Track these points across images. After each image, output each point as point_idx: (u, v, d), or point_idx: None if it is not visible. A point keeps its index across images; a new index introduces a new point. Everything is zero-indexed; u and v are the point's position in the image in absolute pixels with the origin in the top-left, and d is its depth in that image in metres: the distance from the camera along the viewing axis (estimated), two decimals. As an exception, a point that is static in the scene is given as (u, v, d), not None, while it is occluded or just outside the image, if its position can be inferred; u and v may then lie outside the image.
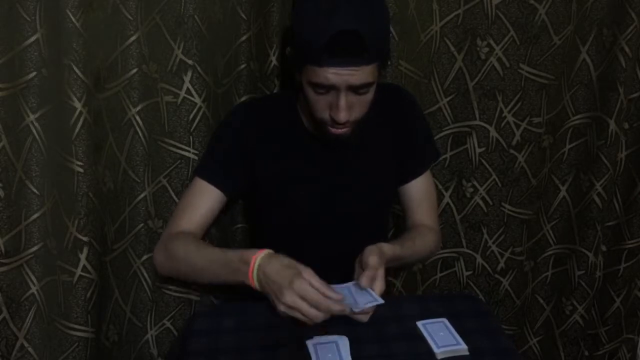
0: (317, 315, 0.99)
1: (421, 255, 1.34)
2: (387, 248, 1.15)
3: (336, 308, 1.00)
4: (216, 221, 1.31)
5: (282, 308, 1.01)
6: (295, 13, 1.12)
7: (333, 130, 1.16)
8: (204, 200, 1.23)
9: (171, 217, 1.26)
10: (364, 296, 1.06)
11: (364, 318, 1.09)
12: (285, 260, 1.05)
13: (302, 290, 0.99)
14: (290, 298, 0.99)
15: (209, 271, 1.15)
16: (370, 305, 1.04)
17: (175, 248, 1.19)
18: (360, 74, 1.07)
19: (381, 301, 1.04)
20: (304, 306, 0.99)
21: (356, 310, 1.04)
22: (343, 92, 1.09)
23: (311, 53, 1.06)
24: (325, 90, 1.10)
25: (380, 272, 1.08)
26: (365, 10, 1.05)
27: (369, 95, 1.13)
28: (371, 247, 1.12)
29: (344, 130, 1.16)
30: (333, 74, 1.06)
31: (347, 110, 1.10)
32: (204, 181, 1.23)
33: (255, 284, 1.06)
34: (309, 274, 1.02)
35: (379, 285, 1.07)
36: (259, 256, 1.07)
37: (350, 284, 1.10)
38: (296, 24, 1.10)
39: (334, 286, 1.07)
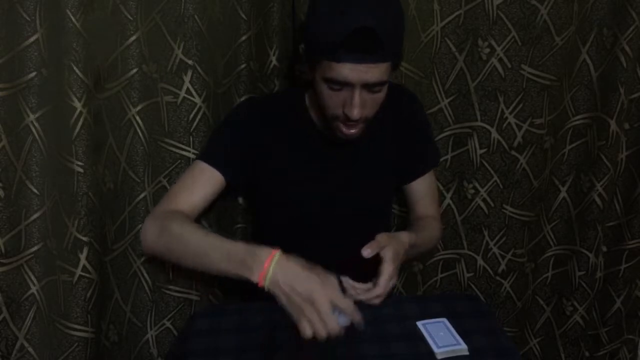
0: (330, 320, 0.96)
1: (429, 245, 1.37)
2: (405, 236, 1.18)
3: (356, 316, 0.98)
4: (216, 221, 1.31)
5: (310, 315, 0.96)
6: (312, 8, 1.13)
7: (344, 129, 1.17)
8: (203, 182, 1.23)
9: (166, 195, 1.24)
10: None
11: (375, 300, 1.10)
12: (304, 267, 1.01)
13: (331, 296, 0.96)
14: (320, 306, 0.95)
15: (206, 257, 1.10)
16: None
17: (172, 224, 1.15)
18: (375, 71, 1.09)
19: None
20: (330, 321, 0.95)
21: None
22: (357, 89, 1.10)
23: (328, 48, 1.07)
24: (340, 86, 1.11)
25: (387, 254, 1.11)
26: (382, 9, 1.07)
27: (382, 95, 1.15)
28: (386, 234, 1.13)
29: (355, 130, 1.17)
30: (349, 70, 1.08)
31: (360, 108, 1.12)
32: (205, 164, 1.23)
33: (265, 282, 1.01)
34: (331, 285, 0.99)
35: (385, 269, 1.11)
36: (276, 253, 1.03)
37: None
38: (312, 20, 1.12)
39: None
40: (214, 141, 1.27)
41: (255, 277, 1.02)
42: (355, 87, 1.10)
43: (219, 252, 1.09)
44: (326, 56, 1.09)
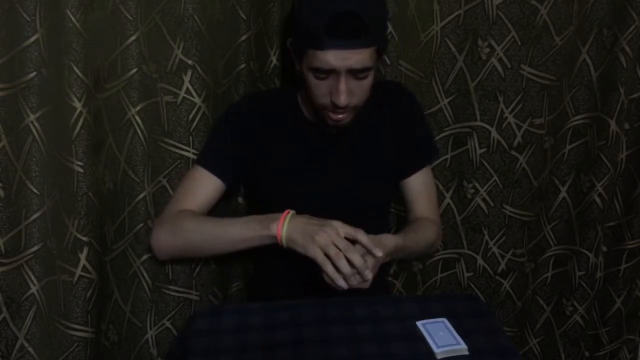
0: (342, 259, 1.05)
1: (422, 247, 1.35)
2: (390, 239, 1.18)
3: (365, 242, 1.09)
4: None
5: (320, 238, 1.07)
6: (297, 1, 1.15)
7: (333, 115, 1.18)
8: (204, 188, 1.25)
9: (169, 202, 1.26)
10: None
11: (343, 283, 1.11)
12: (313, 217, 1.13)
13: (339, 226, 1.08)
14: (329, 230, 1.07)
15: (225, 235, 1.19)
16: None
17: (185, 220, 1.20)
18: (359, 57, 1.10)
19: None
20: (341, 242, 1.07)
21: None
22: (343, 76, 1.12)
23: (312, 37, 1.09)
24: (326, 74, 1.13)
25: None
26: None
27: (368, 81, 1.16)
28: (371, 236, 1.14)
29: (344, 115, 1.18)
30: (333, 57, 1.09)
31: (347, 94, 1.13)
32: (204, 169, 1.24)
33: (283, 231, 1.11)
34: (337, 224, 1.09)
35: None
36: (291, 211, 1.14)
37: None
38: (297, 10, 1.14)
39: None
40: (212, 143, 1.27)
41: (274, 230, 1.12)
42: (341, 74, 1.12)
43: (236, 225, 1.19)
44: (311, 45, 1.11)
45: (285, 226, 1.11)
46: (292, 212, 1.14)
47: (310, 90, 1.18)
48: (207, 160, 1.26)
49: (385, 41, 1.20)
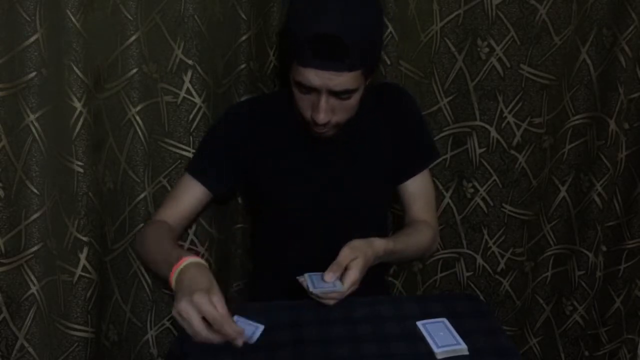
0: (202, 331, 0.92)
1: (416, 251, 1.32)
2: (379, 243, 1.16)
3: (229, 331, 0.92)
4: (216, 221, 1.31)
5: (174, 312, 0.94)
6: (287, 10, 1.14)
7: (316, 129, 1.18)
8: (189, 195, 1.25)
9: (160, 205, 1.26)
10: (325, 284, 1.06)
11: (329, 301, 1.08)
12: (207, 277, 0.98)
13: (199, 304, 0.91)
14: (183, 305, 0.92)
15: (157, 264, 1.12)
16: (325, 290, 1.05)
17: (147, 238, 1.20)
18: (340, 80, 1.08)
19: (339, 288, 1.05)
20: (195, 319, 0.91)
21: (312, 291, 1.05)
22: (324, 95, 1.11)
23: (296, 51, 1.08)
24: (307, 90, 1.12)
25: (357, 263, 1.08)
26: (351, 16, 1.06)
27: (352, 101, 1.14)
28: (356, 240, 1.12)
29: (325, 130, 1.18)
30: (314, 75, 1.08)
31: (326, 113, 1.12)
32: (190, 176, 1.25)
33: (172, 281, 1.00)
34: (217, 298, 0.93)
35: (350, 276, 1.07)
36: (190, 259, 1.01)
37: (320, 273, 1.09)
38: (286, 22, 1.13)
39: (309, 275, 1.08)
40: (203, 148, 1.27)
41: (169, 277, 1.01)
42: (322, 92, 1.10)
43: (163, 259, 1.08)
44: (294, 59, 1.10)
45: (174, 279, 1.00)
46: (186, 262, 1.01)
47: (295, 101, 1.18)
48: (194, 167, 1.26)
49: (373, 63, 1.16)
